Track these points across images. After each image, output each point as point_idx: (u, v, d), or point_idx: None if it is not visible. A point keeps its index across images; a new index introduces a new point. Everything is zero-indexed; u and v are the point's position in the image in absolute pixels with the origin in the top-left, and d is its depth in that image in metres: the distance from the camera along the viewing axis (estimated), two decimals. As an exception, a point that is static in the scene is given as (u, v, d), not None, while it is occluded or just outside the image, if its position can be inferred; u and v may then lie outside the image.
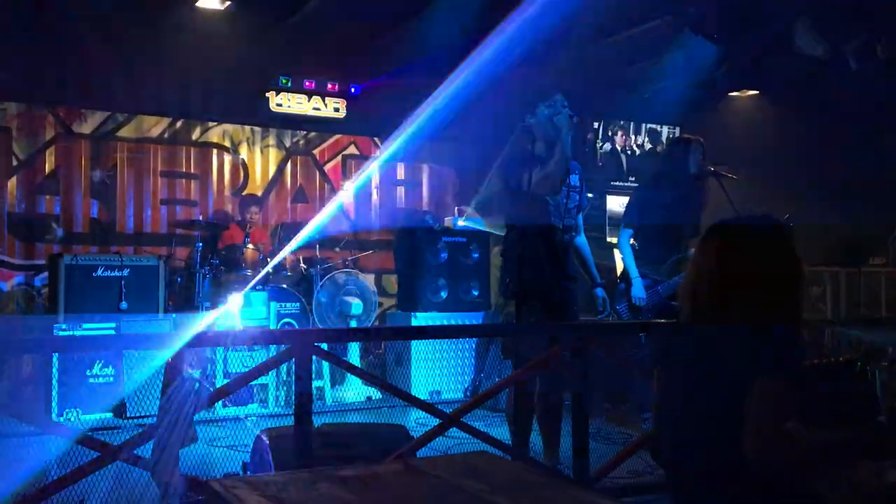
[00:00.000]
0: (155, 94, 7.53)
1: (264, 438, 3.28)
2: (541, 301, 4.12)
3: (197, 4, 6.70)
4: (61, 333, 5.56)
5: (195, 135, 7.96)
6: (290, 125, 8.24)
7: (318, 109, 8.07)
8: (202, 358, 6.15)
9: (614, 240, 5.97)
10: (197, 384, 5.99)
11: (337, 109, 8.16)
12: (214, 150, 8.04)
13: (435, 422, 3.48)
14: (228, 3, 6.70)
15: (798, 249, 2.12)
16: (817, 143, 7.28)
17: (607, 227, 8.32)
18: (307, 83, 7.97)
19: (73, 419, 5.51)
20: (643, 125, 8.72)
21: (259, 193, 8.04)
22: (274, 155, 8.30)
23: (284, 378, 6.15)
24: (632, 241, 5.21)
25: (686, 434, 2.09)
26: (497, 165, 4.30)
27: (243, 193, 7.97)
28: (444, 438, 4.50)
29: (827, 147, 7.25)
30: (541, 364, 3.83)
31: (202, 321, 5.76)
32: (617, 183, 8.69)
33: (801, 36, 4.53)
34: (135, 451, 3.02)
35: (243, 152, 8.15)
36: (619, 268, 5.45)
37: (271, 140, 8.27)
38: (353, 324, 6.94)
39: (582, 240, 4.47)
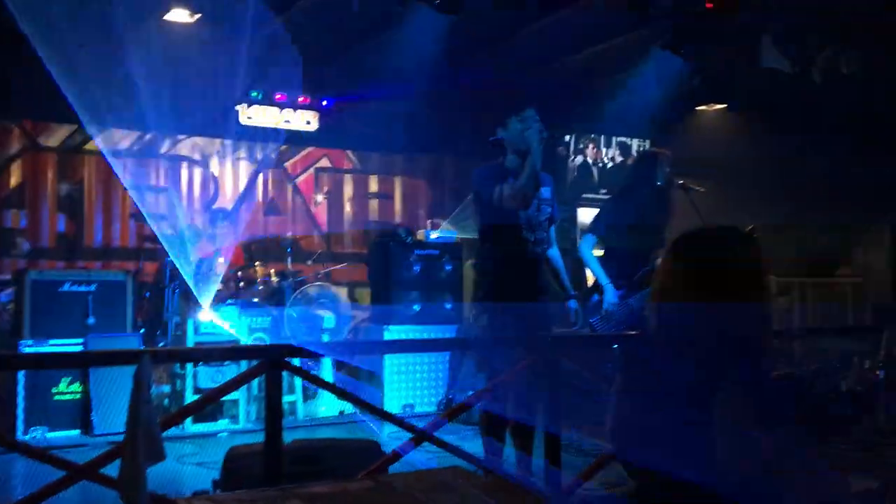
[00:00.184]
0: (125, 107, 7.44)
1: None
2: (513, 314, 4.12)
3: (166, 17, 6.65)
4: (27, 350, 5.47)
5: (164, 148, 7.89)
6: (260, 138, 8.19)
7: (288, 122, 8.04)
8: (172, 373, 6.10)
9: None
10: (167, 400, 5.92)
11: (308, 122, 8.13)
12: (184, 164, 7.97)
13: (408, 436, 3.46)
14: (198, 15, 6.66)
15: (764, 261, 2.15)
16: (784, 156, 7.39)
17: (579, 240, 8.36)
18: (278, 96, 7.93)
19: (38, 437, 5.41)
20: (613, 138, 8.81)
21: (230, 207, 7.98)
22: (245, 168, 8.24)
23: (256, 393, 6.10)
24: (596, 251, 5.24)
25: (653, 444, 2.10)
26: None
27: (214, 207, 7.90)
28: (418, 453, 4.48)
29: (794, 160, 7.37)
30: (513, 377, 3.82)
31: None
32: (588, 195, 8.76)
33: (766, 51, 4.61)
34: (101, 470, 2.96)
35: (214, 165, 8.09)
36: (591, 280, 5.48)
37: (242, 153, 8.22)
38: (326, 337, 6.90)
39: (555, 252, 4.48)
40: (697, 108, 8.24)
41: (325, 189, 8.62)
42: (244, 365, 5.35)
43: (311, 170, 8.58)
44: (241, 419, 6.07)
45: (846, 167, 6.92)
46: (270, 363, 2.99)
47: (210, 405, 5.74)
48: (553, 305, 4.41)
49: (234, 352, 5.03)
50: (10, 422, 5.35)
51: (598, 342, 5.07)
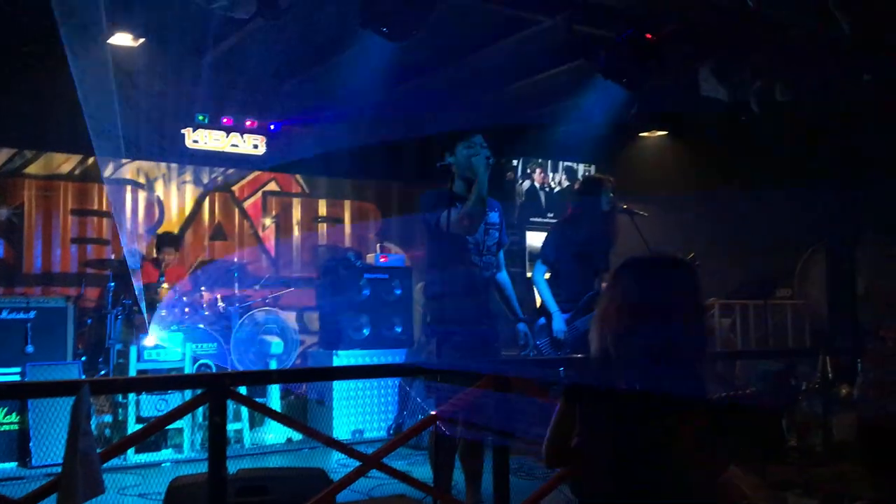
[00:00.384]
0: (67, 131, 7.32)
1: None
2: (462, 338, 4.13)
3: (110, 41, 6.56)
4: (-39, 380, 5.29)
5: (108, 171, 7.74)
6: (207, 162, 8.10)
7: (236, 146, 7.98)
8: (113, 402, 5.95)
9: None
10: (108, 430, 5.78)
11: (256, 146, 8.08)
12: (128, 187, 7.83)
13: (357, 462, 3.44)
14: (143, 40, 6.58)
15: (702, 286, 2.21)
16: (725, 181, 7.59)
17: (527, 263, 8.45)
18: (225, 120, 7.87)
19: (-28, 471, 5.23)
20: (560, 163, 8.94)
21: (175, 231, 7.85)
22: (191, 191, 8.14)
23: (201, 421, 5.99)
24: (546, 275, 5.31)
25: (599, 468, 2.13)
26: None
27: (159, 231, 7.77)
28: (367, 479, 4.45)
29: (734, 184, 7.57)
30: (462, 401, 3.83)
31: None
32: (536, 219, 8.86)
33: (705, 80, 4.76)
34: (39, 504, 2.87)
35: (159, 189, 7.97)
36: (540, 302, 5.53)
37: (188, 176, 8.11)
38: (274, 363, 6.82)
39: (503, 276, 4.52)
40: (640, 135, 8.42)
41: (273, 213, 8.55)
42: (189, 392, 5.28)
43: (259, 193, 8.50)
44: (186, 448, 5.95)
45: (784, 192, 7.12)
46: (215, 391, 2.95)
47: (153, 434, 5.62)
48: (502, 329, 4.44)
49: (177, 381, 4.94)
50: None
51: (546, 365, 5.11)
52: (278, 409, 6.58)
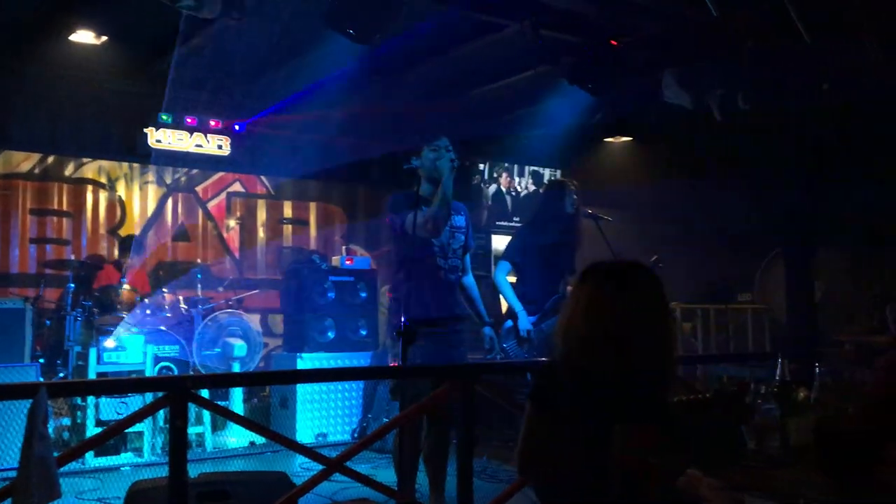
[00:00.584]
0: (25, 128, 7.19)
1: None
2: (428, 341, 4.13)
3: (71, 38, 6.45)
4: (-87, 383, 5.15)
5: (68, 171, 7.61)
6: (170, 162, 8.00)
7: (200, 146, 7.88)
8: (72, 405, 5.85)
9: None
10: (67, 433, 5.67)
11: (220, 147, 7.99)
12: (89, 187, 7.70)
13: (320, 466, 3.42)
14: (105, 37, 6.48)
15: (665, 291, 2.24)
16: (687, 187, 7.69)
17: (493, 267, 8.48)
18: (189, 119, 7.77)
19: (-76, 476, 5.09)
20: (526, 167, 8.99)
21: (137, 232, 7.74)
22: (154, 192, 8.03)
23: (162, 424, 5.91)
24: (510, 277, 5.34)
25: (560, 474, 2.14)
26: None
27: (120, 232, 7.66)
28: (330, 483, 4.42)
29: (696, 190, 7.68)
30: (428, 404, 3.83)
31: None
32: (502, 223, 8.90)
33: (668, 87, 4.82)
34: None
35: (121, 189, 7.85)
36: (505, 306, 5.56)
37: (151, 176, 8.00)
38: (237, 366, 6.75)
39: (470, 280, 4.53)
40: (606, 140, 8.50)
41: (238, 214, 8.47)
42: (150, 395, 5.21)
43: (223, 194, 8.41)
44: (146, 452, 5.87)
45: (746, 198, 7.24)
46: (176, 394, 2.91)
47: (113, 438, 5.53)
48: (468, 332, 4.46)
49: (137, 383, 4.86)
50: None
51: (512, 368, 5.14)
52: (241, 413, 6.52)
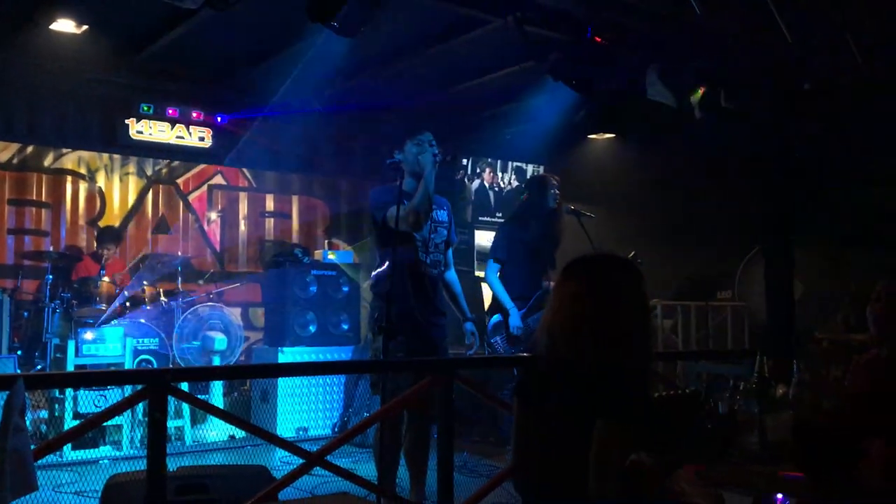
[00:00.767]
0: (3, 117, 7.10)
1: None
2: (409, 336, 4.13)
3: (51, 27, 6.37)
4: None
5: (48, 161, 7.53)
6: (151, 153, 7.93)
7: (181, 138, 7.82)
8: (50, 398, 5.80)
9: (482, 274, 6.09)
10: (44, 426, 5.62)
11: (202, 139, 7.93)
12: (69, 178, 7.62)
13: (301, 460, 3.41)
14: (86, 27, 6.41)
15: (646, 286, 2.25)
16: (670, 184, 7.72)
17: (475, 262, 8.48)
18: (170, 111, 7.71)
19: None
20: (509, 163, 8.99)
21: (117, 224, 7.67)
22: (134, 183, 7.96)
23: (141, 417, 5.87)
24: (498, 274, 5.33)
25: (541, 467, 2.15)
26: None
27: (100, 223, 7.58)
28: (311, 477, 4.42)
29: (678, 188, 7.71)
30: (409, 399, 3.83)
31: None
32: (485, 218, 8.89)
33: (651, 85, 4.84)
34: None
35: (100, 180, 7.77)
36: (488, 302, 5.56)
37: (131, 168, 7.93)
38: (217, 360, 6.72)
39: (452, 275, 4.53)
40: (589, 137, 8.51)
41: (219, 207, 8.41)
42: (129, 388, 5.17)
43: (205, 187, 8.35)
44: (125, 445, 5.83)
45: (727, 195, 7.28)
46: (155, 387, 2.89)
47: (91, 430, 5.48)
48: (449, 327, 4.45)
49: (116, 376, 4.82)
50: None
51: (494, 363, 5.15)
52: (221, 406, 6.49)
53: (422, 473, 4.22)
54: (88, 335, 5.95)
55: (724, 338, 7.69)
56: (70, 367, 5.78)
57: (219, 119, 7.94)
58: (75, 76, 7.19)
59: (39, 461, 2.74)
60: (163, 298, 6.78)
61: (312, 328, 6.95)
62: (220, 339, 6.68)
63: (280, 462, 5.43)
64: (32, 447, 2.63)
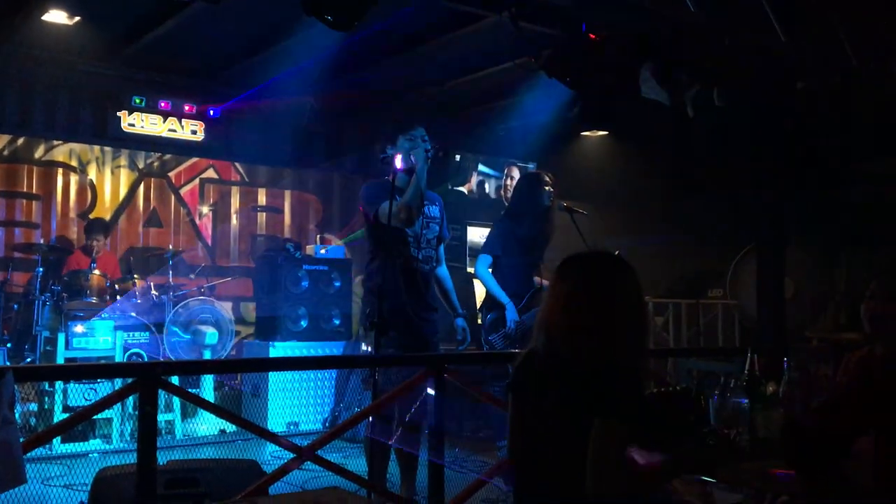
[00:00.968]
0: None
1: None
2: (401, 331, 4.13)
3: (43, 18, 6.32)
4: None
5: (38, 153, 7.48)
6: (143, 146, 7.89)
7: (173, 131, 7.79)
8: (39, 391, 5.77)
9: (474, 270, 6.09)
10: (34, 419, 5.59)
11: (194, 132, 7.90)
12: (60, 170, 7.58)
13: (291, 455, 3.41)
14: (78, 18, 6.36)
15: (639, 282, 2.25)
16: (662, 182, 7.75)
17: (467, 258, 8.48)
18: (163, 103, 7.67)
19: None
20: (503, 160, 9.00)
21: (108, 217, 7.63)
22: (126, 176, 7.92)
23: (131, 411, 5.85)
24: (489, 269, 5.33)
25: (536, 464, 2.15)
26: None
27: (90, 216, 7.55)
28: (301, 472, 4.41)
29: (670, 186, 7.73)
30: (400, 394, 3.83)
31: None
32: (478, 214, 8.89)
33: (645, 82, 4.84)
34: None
35: (92, 173, 7.73)
36: (480, 298, 5.55)
37: (123, 161, 7.90)
38: (208, 354, 6.70)
39: (443, 271, 4.53)
40: (582, 134, 8.53)
41: (211, 200, 8.39)
42: (119, 381, 5.15)
43: (197, 180, 8.32)
44: (115, 438, 5.81)
45: (719, 193, 7.31)
46: (146, 381, 2.88)
47: (81, 424, 5.47)
48: (441, 323, 4.45)
49: (107, 369, 4.81)
50: None
51: (484, 359, 5.15)
52: (212, 401, 6.47)
53: (412, 469, 4.22)
54: (79, 328, 5.92)
55: (715, 335, 7.73)
56: (60, 360, 5.76)
57: (211, 112, 7.90)
58: (67, 68, 7.14)
59: (29, 454, 2.73)
60: (153, 292, 6.75)
61: (304, 323, 6.94)
62: (211, 334, 6.66)
63: (271, 456, 5.42)
64: (22, 440, 2.62)
